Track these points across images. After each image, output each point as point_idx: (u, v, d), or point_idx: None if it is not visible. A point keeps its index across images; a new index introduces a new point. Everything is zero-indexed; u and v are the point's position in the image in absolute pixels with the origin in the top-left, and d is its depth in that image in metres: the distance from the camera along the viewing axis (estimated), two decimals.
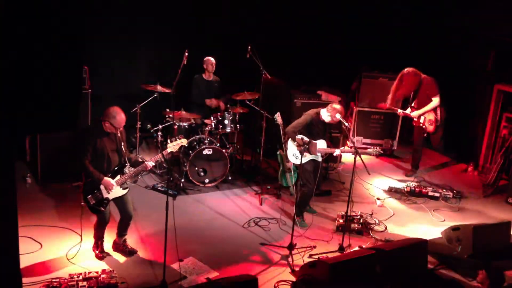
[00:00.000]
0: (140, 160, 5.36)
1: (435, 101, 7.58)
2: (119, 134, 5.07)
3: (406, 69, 7.66)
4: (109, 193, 5.02)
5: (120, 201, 5.18)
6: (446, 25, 8.79)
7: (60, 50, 3.51)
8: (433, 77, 7.64)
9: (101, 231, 5.27)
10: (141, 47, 8.51)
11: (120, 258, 5.30)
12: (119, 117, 4.90)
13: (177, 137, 5.20)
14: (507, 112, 8.07)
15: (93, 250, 5.30)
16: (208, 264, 5.29)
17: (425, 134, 7.87)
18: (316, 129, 6.23)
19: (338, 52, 9.64)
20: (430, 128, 7.72)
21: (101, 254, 5.25)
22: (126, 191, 5.16)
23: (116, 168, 5.06)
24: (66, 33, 3.52)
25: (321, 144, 6.24)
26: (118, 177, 5.06)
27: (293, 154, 6.38)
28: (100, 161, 4.98)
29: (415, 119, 7.79)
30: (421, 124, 7.76)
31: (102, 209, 5.03)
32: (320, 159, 6.29)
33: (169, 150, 5.13)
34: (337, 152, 6.28)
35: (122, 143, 5.10)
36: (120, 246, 5.37)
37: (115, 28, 8.04)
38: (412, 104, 7.83)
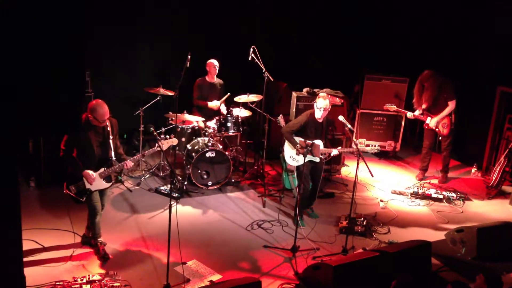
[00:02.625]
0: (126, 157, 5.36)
1: (452, 105, 7.50)
2: (108, 128, 5.11)
3: (425, 72, 7.58)
4: (91, 184, 5.07)
5: (99, 194, 5.25)
6: (449, 25, 8.78)
7: (63, 54, 3.54)
8: (450, 80, 7.53)
9: (94, 222, 5.25)
10: (144, 50, 8.53)
11: (124, 261, 5.29)
12: (101, 110, 4.95)
13: (167, 136, 5.21)
14: (511, 113, 8.04)
15: (95, 254, 5.30)
16: (211, 267, 5.28)
17: (440, 138, 7.72)
18: (311, 129, 6.20)
19: (341, 54, 9.63)
20: (444, 131, 7.60)
21: (104, 257, 5.24)
22: (109, 185, 5.22)
23: (100, 161, 5.11)
24: (68, 37, 3.54)
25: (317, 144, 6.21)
26: (101, 169, 5.11)
27: (289, 156, 6.34)
28: (85, 153, 5.04)
29: (430, 125, 7.64)
30: (434, 128, 7.65)
31: (82, 199, 5.08)
32: (318, 160, 6.26)
33: (157, 149, 5.13)
34: (334, 152, 6.19)
35: (111, 136, 5.15)
36: (90, 240, 5.38)
37: (118, 31, 8.06)
38: (424, 107, 7.64)
